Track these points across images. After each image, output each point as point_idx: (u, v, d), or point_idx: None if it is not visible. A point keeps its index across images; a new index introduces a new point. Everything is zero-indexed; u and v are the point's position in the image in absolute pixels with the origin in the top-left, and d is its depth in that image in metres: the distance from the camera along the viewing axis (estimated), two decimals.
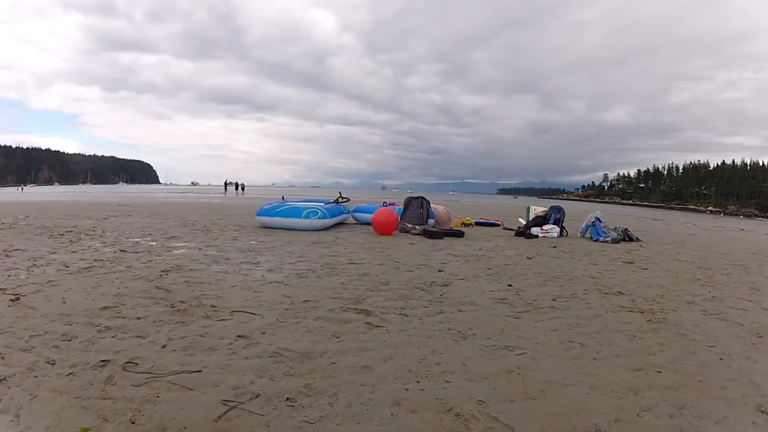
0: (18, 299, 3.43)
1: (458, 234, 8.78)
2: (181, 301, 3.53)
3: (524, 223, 10.03)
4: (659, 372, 2.42)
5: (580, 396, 2.11)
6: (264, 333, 2.90)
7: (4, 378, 2.18)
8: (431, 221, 9.40)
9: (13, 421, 1.84)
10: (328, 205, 9.63)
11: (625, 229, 9.30)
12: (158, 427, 1.83)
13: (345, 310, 3.43)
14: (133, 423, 1.85)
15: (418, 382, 2.22)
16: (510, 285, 4.43)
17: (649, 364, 2.53)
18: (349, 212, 10.89)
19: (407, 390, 2.13)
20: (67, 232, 7.58)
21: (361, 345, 2.73)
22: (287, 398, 2.05)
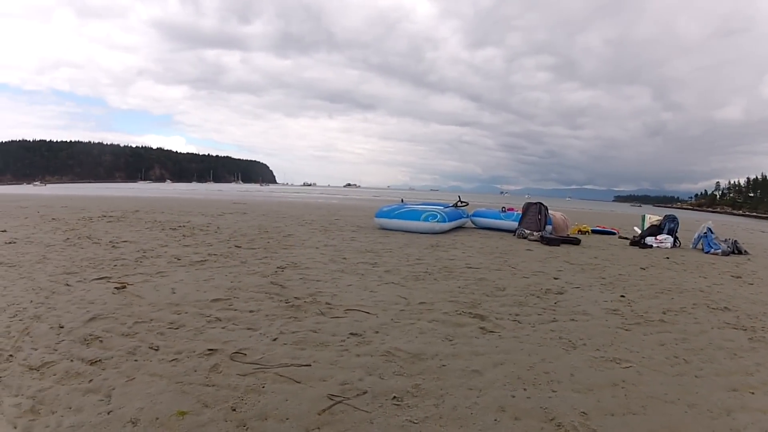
0: (124, 287, 3.79)
1: (575, 242, 8.96)
2: (295, 297, 3.69)
3: (639, 232, 10.26)
4: (752, 393, 2.46)
5: (677, 414, 2.17)
6: (377, 332, 2.95)
7: (99, 360, 2.37)
8: (549, 228, 9.60)
9: (102, 401, 1.96)
10: (447, 209, 9.83)
11: (735, 241, 9.36)
12: (259, 416, 1.86)
13: (460, 314, 3.48)
14: (234, 410, 1.90)
15: (524, 389, 2.30)
16: (623, 296, 4.53)
17: (745, 384, 2.56)
18: (468, 216, 11.09)
19: (513, 397, 2.21)
20: (180, 227, 8.43)
21: (473, 349, 2.78)
22: (394, 397, 2.10)
